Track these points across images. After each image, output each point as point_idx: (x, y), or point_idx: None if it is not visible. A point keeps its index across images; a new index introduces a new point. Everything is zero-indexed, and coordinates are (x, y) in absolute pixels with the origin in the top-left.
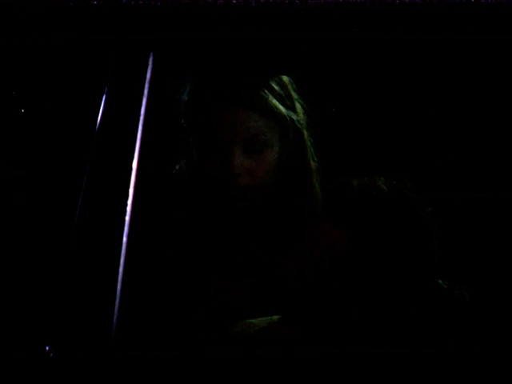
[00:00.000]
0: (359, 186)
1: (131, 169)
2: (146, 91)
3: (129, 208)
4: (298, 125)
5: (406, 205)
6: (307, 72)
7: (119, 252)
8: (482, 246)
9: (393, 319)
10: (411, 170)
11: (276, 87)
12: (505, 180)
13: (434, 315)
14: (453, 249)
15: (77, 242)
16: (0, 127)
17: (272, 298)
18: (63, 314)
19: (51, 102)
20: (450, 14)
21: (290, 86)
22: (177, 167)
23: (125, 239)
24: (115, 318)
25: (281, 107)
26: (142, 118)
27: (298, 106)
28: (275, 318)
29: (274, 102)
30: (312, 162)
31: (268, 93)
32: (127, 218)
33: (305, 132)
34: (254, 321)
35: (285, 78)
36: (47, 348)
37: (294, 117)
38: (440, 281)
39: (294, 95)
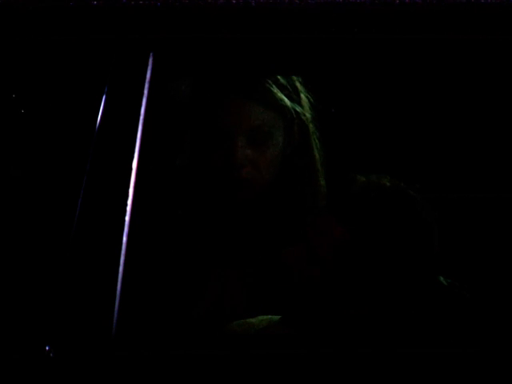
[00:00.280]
0: (364, 182)
1: (131, 169)
2: (145, 91)
3: (129, 208)
4: (303, 118)
5: (406, 203)
6: (307, 72)
7: (119, 252)
8: (483, 246)
9: (392, 317)
10: (413, 170)
11: (281, 80)
12: (506, 180)
13: (433, 312)
14: (454, 248)
15: (77, 241)
16: (0, 127)
17: (271, 296)
18: (63, 313)
19: (51, 102)
20: (450, 14)
21: (296, 80)
22: (179, 160)
23: (125, 239)
24: (115, 317)
25: (285, 99)
26: (141, 118)
27: (303, 99)
28: (275, 318)
29: (279, 94)
30: (317, 156)
31: (273, 85)
32: (127, 217)
33: (310, 125)
34: (253, 320)
35: None
36: (47, 348)
37: (299, 110)
38: (441, 278)
39: (300, 88)
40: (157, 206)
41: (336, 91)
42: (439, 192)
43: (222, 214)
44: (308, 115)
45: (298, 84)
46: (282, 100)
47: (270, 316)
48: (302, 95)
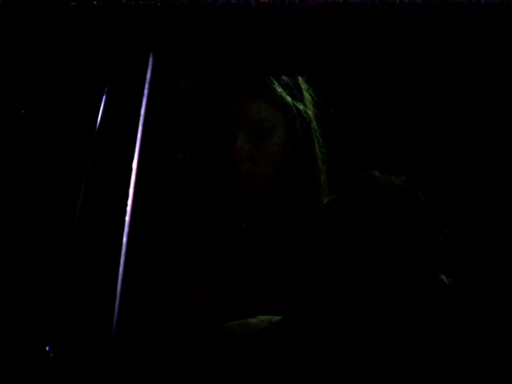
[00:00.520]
0: (377, 179)
1: (131, 169)
2: (146, 91)
3: (129, 208)
4: (305, 115)
5: (414, 202)
6: (307, 72)
7: (119, 252)
8: (483, 246)
9: (392, 314)
10: (414, 170)
11: (284, 78)
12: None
13: (433, 311)
14: (455, 248)
15: (77, 242)
16: (1, 127)
17: (271, 296)
18: (63, 314)
19: (51, 102)
20: (451, 14)
21: (299, 78)
22: (181, 154)
23: (125, 239)
24: (115, 317)
25: (287, 97)
26: (142, 118)
27: (306, 97)
28: (275, 318)
29: (281, 91)
30: (318, 153)
31: (275, 82)
32: (127, 218)
33: (312, 123)
34: (253, 321)
35: None
36: (47, 348)
37: (302, 107)
38: (443, 276)
39: (304, 87)
40: (157, 205)
41: (337, 91)
42: (439, 192)
43: (223, 210)
44: (310, 113)
45: (301, 82)
46: (283, 97)
47: (270, 316)
48: (305, 93)
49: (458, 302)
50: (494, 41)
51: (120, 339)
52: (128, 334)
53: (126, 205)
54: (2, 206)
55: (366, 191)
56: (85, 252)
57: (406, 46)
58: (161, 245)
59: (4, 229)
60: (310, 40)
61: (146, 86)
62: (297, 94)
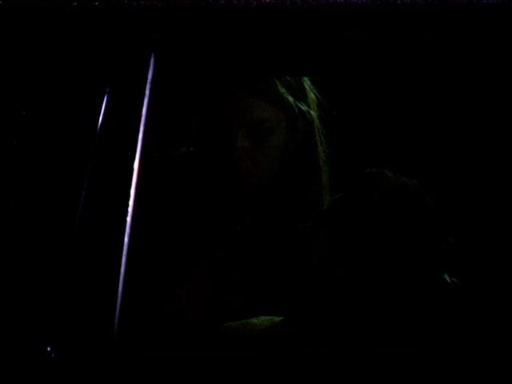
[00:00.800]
0: (384, 177)
1: (133, 169)
2: (147, 92)
3: (130, 208)
4: (308, 115)
5: (421, 204)
6: (308, 73)
7: (121, 252)
8: (484, 246)
9: (395, 314)
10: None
11: (287, 77)
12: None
13: (436, 311)
14: (458, 248)
15: (78, 242)
16: (3, 127)
17: (273, 296)
18: (65, 314)
19: (53, 102)
20: (452, 15)
21: (303, 78)
22: (182, 149)
23: (126, 239)
24: (117, 318)
25: (288, 96)
26: (143, 118)
27: (310, 96)
28: (277, 318)
29: (282, 90)
30: (321, 153)
31: (277, 82)
32: (129, 218)
33: (315, 123)
34: (255, 321)
35: None
36: (49, 348)
37: (304, 108)
38: (446, 276)
39: (307, 87)
40: (158, 205)
41: (339, 91)
42: (440, 192)
43: (224, 208)
44: (313, 113)
45: (304, 82)
46: (285, 97)
47: (271, 316)
48: (309, 93)
49: (460, 301)
50: (496, 41)
51: (121, 339)
52: (129, 334)
53: (127, 205)
54: (4, 206)
55: (376, 189)
56: (86, 252)
57: (407, 47)
58: (162, 244)
59: (6, 229)
60: (311, 40)
61: (148, 86)
62: (299, 94)
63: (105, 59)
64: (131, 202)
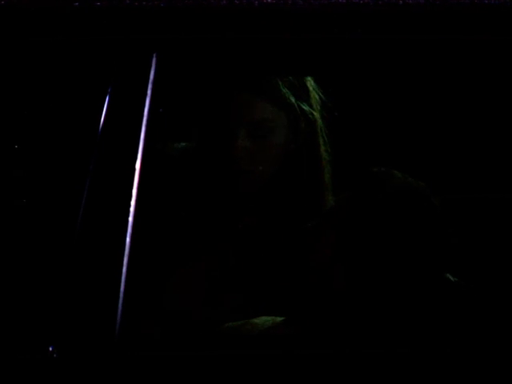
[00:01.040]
0: (392, 177)
1: (134, 169)
2: (149, 92)
3: (132, 208)
4: (310, 115)
5: (428, 206)
6: (310, 73)
7: (123, 252)
8: (486, 246)
9: (397, 314)
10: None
11: (290, 78)
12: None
13: (438, 309)
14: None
15: (80, 242)
16: (5, 128)
17: (272, 294)
18: (67, 314)
19: (55, 102)
20: (454, 15)
21: (306, 78)
22: (183, 148)
23: (128, 239)
24: (119, 318)
25: (290, 96)
26: (145, 118)
27: (313, 96)
28: (278, 318)
29: (284, 90)
30: (323, 153)
31: (279, 81)
32: (131, 218)
33: (318, 123)
34: (257, 321)
35: None
36: (51, 348)
37: (307, 108)
38: (449, 275)
39: (310, 87)
40: (160, 204)
41: (342, 91)
42: (443, 192)
43: (225, 207)
44: (316, 113)
45: (307, 82)
46: (287, 98)
47: (273, 317)
48: (312, 93)
49: (462, 301)
50: (497, 41)
51: (123, 339)
52: (131, 335)
53: (129, 205)
54: (6, 206)
55: (384, 188)
56: (88, 252)
57: (408, 47)
58: (163, 244)
59: (8, 229)
60: (313, 40)
61: (150, 86)
62: (302, 94)
63: (107, 59)
64: (133, 202)
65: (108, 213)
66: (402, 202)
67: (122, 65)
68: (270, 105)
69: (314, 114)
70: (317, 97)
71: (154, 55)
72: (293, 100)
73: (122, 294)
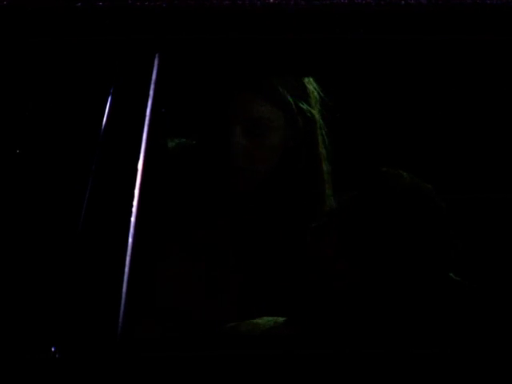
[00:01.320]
0: (400, 178)
1: (137, 169)
2: (151, 92)
3: (134, 209)
4: (309, 114)
5: (434, 209)
6: (312, 73)
7: (125, 252)
8: (487, 247)
9: (400, 314)
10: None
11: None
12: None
13: (441, 310)
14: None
15: (83, 243)
16: (8, 128)
17: (272, 294)
18: (69, 314)
19: (57, 102)
20: (456, 15)
21: (307, 77)
22: (183, 145)
23: (131, 240)
24: (121, 318)
25: (288, 95)
26: (147, 118)
27: (312, 96)
28: (280, 319)
29: (282, 90)
30: (323, 152)
31: (277, 81)
32: (133, 218)
33: (318, 122)
34: (259, 321)
35: None
36: (53, 349)
37: (305, 107)
38: (452, 275)
39: (310, 85)
40: (162, 206)
41: (343, 91)
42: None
43: (224, 205)
44: (315, 112)
45: (307, 81)
46: (285, 97)
47: (275, 317)
48: (311, 92)
49: (465, 301)
50: (500, 41)
51: (125, 340)
52: (134, 335)
53: (131, 205)
54: (9, 206)
55: (391, 189)
56: (91, 253)
57: (410, 47)
58: (166, 245)
59: (11, 230)
60: (315, 41)
61: (152, 86)
62: (300, 93)
63: (109, 60)
64: (135, 203)
65: (110, 213)
66: (409, 202)
67: (124, 65)
68: (267, 103)
69: (313, 112)
70: (317, 96)
71: (157, 55)
72: (291, 99)
73: (124, 295)
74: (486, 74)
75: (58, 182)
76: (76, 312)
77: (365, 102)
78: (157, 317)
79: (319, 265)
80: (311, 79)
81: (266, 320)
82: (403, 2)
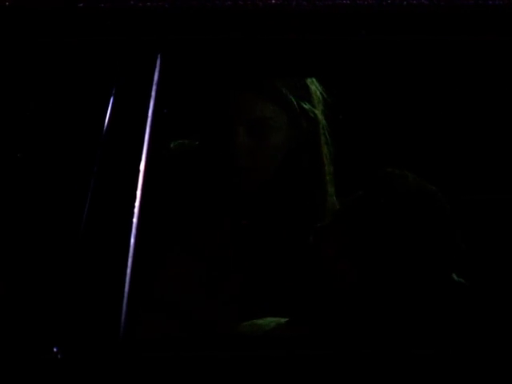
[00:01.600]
0: (405, 179)
1: (139, 171)
2: (153, 93)
3: (136, 209)
4: (312, 114)
5: (440, 210)
6: (313, 74)
7: (127, 253)
8: (488, 247)
9: (402, 315)
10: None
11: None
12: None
13: (443, 310)
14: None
15: (84, 243)
16: (9, 129)
17: (274, 294)
18: (71, 314)
19: (59, 103)
20: (458, 16)
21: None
22: (185, 145)
23: (132, 240)
24: (123, 318)
25: (291, 95)
26: (149, 119)
27: (315, 96)
28: (283, 320)
29: (285, 90)
30: (325, 152)
31: (280, 81)
32: (135, 219)
33: (320, 123)
34: (262, 322)
35: None
36: (55, 349)
37: (307, 107)
38: (454, 275)
39: (312, 86)
40: (164, 206)
41: (345, 92)
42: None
43: (226, 205)
44: (318, 113)
45: (309, 82)
46: (287, 97)
47: (278, 318)
48: (314, 93)
49: (468, 302)
50: (502, 42)
51: (127, 340)
52: (135, 335)
53: (133, 206)
54: (12, 208)
55: (396, 190)
56: (93, 253)
57: (412, 48)
58: (168, 246)
59: (12, 230)
60: (317, 41)
61: (154, 87)
62: (303, 94)
63: (111, 60)
64: (137, 203)
65: (112, 214)
66: (413, 203)
67: (126, 65)
68: (270, 103)
69: (316, 112)
70: (319, 96)
71: (159, 56)
72: (293, 99)
73: (126, 295)
74: (488, 74)
75: (59, 183)
76: (78, 312)
77: (367, 102)
78: (158, 317)
79: (322, 265)
80: (314, 79)
81: (267, 320)
82: (405, 3)
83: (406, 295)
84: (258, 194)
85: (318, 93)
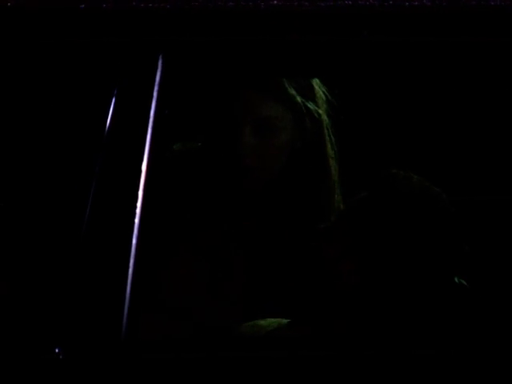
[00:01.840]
0: (409, 180)
1: (140, 171)
2: (155, 93)
3: (138, 210)
4: (316, 114)
5: (443, 212)
6: (316, 74)
7: (129, 254)
8: (489, 247)
9: (404, 316)
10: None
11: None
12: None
13: (445, 312)
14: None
15: (86, 244)
16: (13, 129)
17: (275, 294)
18: (73, 315)
19: (61, 104)
20: (460, 17)
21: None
22: (189, 146)
23: (134, 241)
24: (125, 319)
25: (296, 95)
26: (151, 120)
27: (319, 96)
28: (284, 320)
29: (290, 89)
30: (330, 152)
31: (285, 80)
32: (137, 220)
33: (325, 122)
34: (263, 322)
35: None
36: (57, 350)
37: (312, 107)
38: (456, 278)
39: (317, 86)
40: (166, 207)
41: (347, 92)
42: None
43: (230, 205)
44: (322, 112)
45: (313, 82)
46: (293, 96)
47: (279, 319)
48: (318, 93)
49: (469, 304)
50: (504, 43)
51: (129, 341)
52: (137, 336)
53: (135, 207)
54: (12, 208)
55: (400, 191)
56: (94, 254)
57: (414, 49)
58: (170, 246)
59: (14, 231)
60: (318, 42)
61: (156, 87)
62: (308, 94)
63: (113, 61)
64: (139, 204)
65: (114, 214)
66: (417, 205)
67: (128, 66)
68: (275, 103)
69: (320, 112)
70: (323, 96)
71: (160, 56)
72: (299, 99)
73: (128, 296)
74: (491, 75)
75: (61, 184)
76: (80, 313)
77: (369, 103)
78: (160, 318)
79: (325, 266)
80: (317, 80)
81: (269, 321)
82: (407, 4)
83: (409, 297)
84: (262, 194)
85: (322, 93)
